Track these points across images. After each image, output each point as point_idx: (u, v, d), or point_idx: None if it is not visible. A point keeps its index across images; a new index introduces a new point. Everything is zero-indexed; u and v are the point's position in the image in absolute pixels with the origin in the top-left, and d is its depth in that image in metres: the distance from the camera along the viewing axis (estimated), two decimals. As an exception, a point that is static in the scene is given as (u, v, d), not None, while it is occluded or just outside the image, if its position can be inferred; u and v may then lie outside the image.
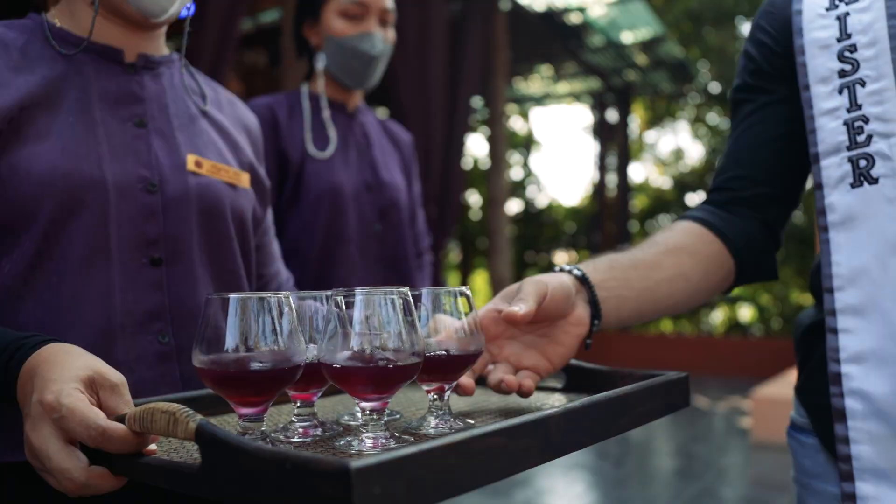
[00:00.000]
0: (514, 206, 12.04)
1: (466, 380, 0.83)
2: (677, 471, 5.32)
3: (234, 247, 1.04)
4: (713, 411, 7.57)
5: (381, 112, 7.85)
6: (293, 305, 0.69)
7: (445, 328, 0.77)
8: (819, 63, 1.01)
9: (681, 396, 0.87)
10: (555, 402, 0.90)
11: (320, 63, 1.78)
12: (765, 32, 1.12)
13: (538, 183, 12.05)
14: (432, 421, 0.76)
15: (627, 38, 8.80)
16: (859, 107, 0.96)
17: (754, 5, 10.13)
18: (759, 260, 1.09)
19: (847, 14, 1.01)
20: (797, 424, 1.08)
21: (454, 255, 12.33)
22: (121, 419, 0.63)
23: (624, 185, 10.36)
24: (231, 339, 0.64)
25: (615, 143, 10.55)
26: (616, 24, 8.52)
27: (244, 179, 1.08)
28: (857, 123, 0.96)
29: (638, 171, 13.85)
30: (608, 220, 10.80)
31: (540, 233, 11.60)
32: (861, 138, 0.95)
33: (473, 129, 10.90)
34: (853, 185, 0.94)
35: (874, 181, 0.92)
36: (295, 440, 0.71)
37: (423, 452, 0.53)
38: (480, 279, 13.04)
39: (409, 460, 0.52)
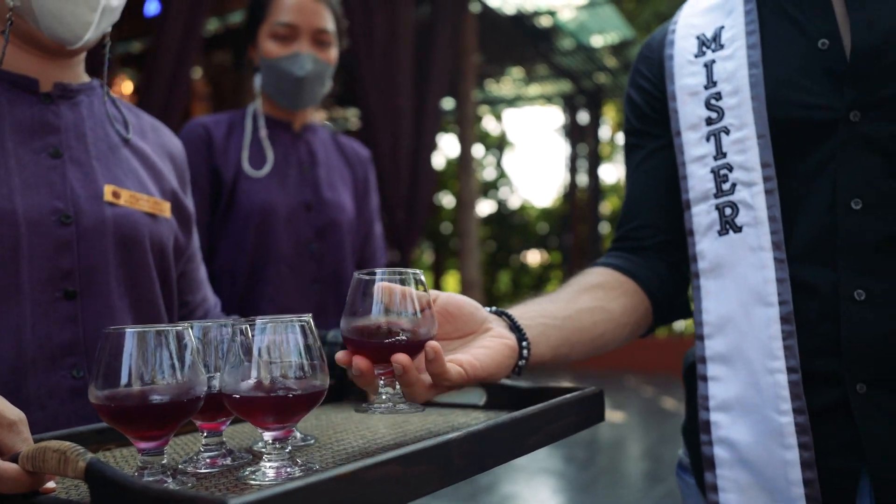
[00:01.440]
0: (486, 207, 12.08)
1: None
2: (644, 473, 5.37)
3: (152, 277, 1.03)
4: (681, 413, 7.65)
5: (352, 113, 7.80)
6: (194, 336, 0.69)
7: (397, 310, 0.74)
8: (689, 110, 1.02)
9: (595, 412, 0.88)
10: (472, 420, 0.91)
11: (257, 84, 1.79)
12: (644, 77, 1.13)
13: (510, 184, 12.09)
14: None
15: (597, 41, 8.86)
16: (724, 155, 0.97)
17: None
18: (672, 299, 1.09)
19: (713, 62, 1.02)
20: (683, 464, 1.09)
21: (427, 255, 12.32)
22: (15, 458, 0.63)
23: (595, 187, 10.43)
24: (126, 374, 0.64)
25: (586, 146, 10.61)
26: (586, 27, 8.57)
27: (165, 209, 1.06)
28: (722, 171, 0.97)
29: (610, 173, 13.96)
30: (579, 221, 10.86)
31: (512, 233, 11.64)
32: (726, 186, 0.96)
33: (445, 131, 10.91)
34: (720, 233, 0.97)
35: (738, 230, 0.94)
36: (202, 471, 0.71)
37: (309, 486, 0.53)
38: (453, 280, 13.04)
39: (293, 494, 0.52)
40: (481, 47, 8.91)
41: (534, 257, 12.32)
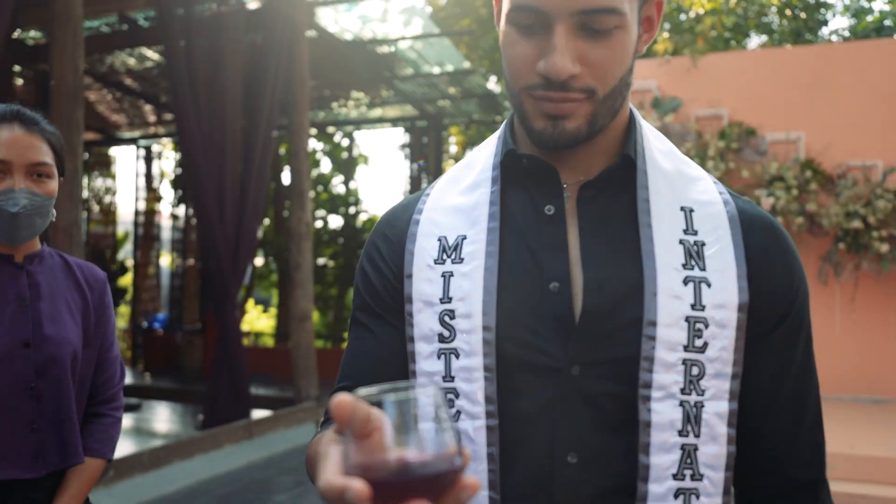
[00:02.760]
0: (336, 221, 12.20)
1: None
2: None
3: None
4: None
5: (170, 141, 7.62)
6: None
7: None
8: (423, 319, 0.96)
9: None
10: None
11: None
12: (382, 259, 1.03)
13: (358, 201, 12.21)
14: None
15: (436, 70, 9.05)
16: (452, 378, 0.93)
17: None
18: None
19: (451, 274, 0.96)
20: None
21: (273, 273, 12.25)
22: None
23: (439, 208, 10.65)
24: None
25: (431, 166, 10.83)
26: (424, 56, 8.74)
27: None
28: (449, 395, 0.93)
29: None
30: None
31: (360, 247, 11.78)
32: (452, 412, 0.92)
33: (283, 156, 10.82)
34: None
35: None
36: None
37: None
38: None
39: None
40: (322, 72, 8.90)
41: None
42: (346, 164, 12.34)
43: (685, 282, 0.90)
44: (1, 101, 3.59)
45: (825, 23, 10.32)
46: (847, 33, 9.37)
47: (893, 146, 6.79)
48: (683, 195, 0.96)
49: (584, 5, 0.84)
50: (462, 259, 0.96)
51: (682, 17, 9.23)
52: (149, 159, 11.86)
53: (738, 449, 0.94)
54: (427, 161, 10.76)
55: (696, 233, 0.93)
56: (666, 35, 8.16)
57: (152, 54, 8.43)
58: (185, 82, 5.70)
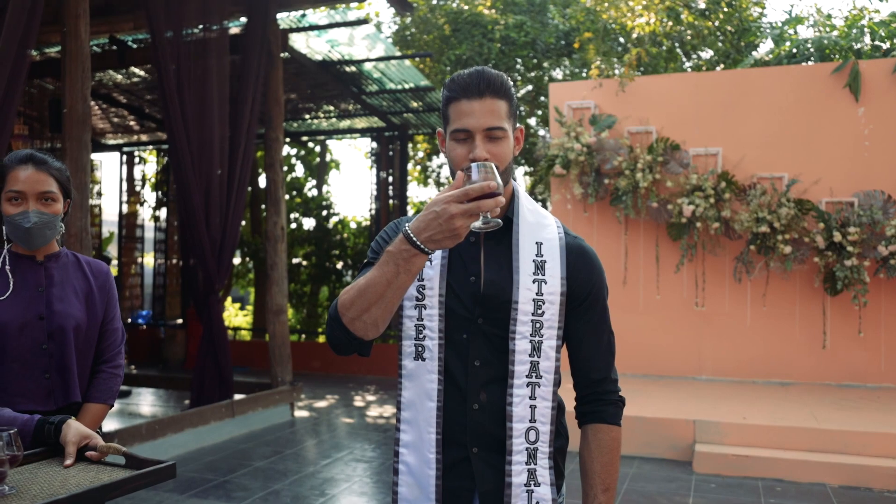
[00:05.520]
0: (309, 223, 12.84)
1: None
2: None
3: None
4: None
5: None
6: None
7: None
8: (410, 288, 1.61)
9: (167, 476, 1.75)
10: (105, 477, 1.68)
11: (5, 231, 2.35)
12: (387, 243, 1.63)
13: (330, 203, 12.82)
14: None
15: (399, 87, 9.74)
16: (422, 319, 1.63)
17: (511, 57, 11.41)
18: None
19: (426, 266, 1.63)
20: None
21: (249, 271, 12.85)
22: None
23: (402, 209, 11.39)
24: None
25: (396, 173, 11.49)
26: (387, 75, 9.45)
27: None
28: (419, 327, 1.63)
29: (419, 192, 14.99)
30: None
31: (331, 249, 12.37)
32: (421, 336, 1.63)
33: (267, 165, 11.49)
34: (415, 359, 1.64)
35: (424, 360, 1.63)
36: None
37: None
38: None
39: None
40: (294, 87, 9.63)
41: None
42: (319, 170, 12.96)
43: (534, 282, 1.62)
44: (10, 116, 4.36)
45: (756, 47, 11.21)
46: (768, 57, 10.23)
47: (797, 160, 7.72)
48: (538, 235, 1.67)
49: (489, 125, 1.55)
50: (431, 261, 1.65)
51: (621, 40, 10.09)
52: (131, 164, 12.49)
53: (570, 363, 1.70)
54: (393, 168, 11.45)
55: (542, 255, 1.65)
56: (598, 62, 9.02)
57: (138, 71, 9.12)
58: (175, 98, 6.26)
